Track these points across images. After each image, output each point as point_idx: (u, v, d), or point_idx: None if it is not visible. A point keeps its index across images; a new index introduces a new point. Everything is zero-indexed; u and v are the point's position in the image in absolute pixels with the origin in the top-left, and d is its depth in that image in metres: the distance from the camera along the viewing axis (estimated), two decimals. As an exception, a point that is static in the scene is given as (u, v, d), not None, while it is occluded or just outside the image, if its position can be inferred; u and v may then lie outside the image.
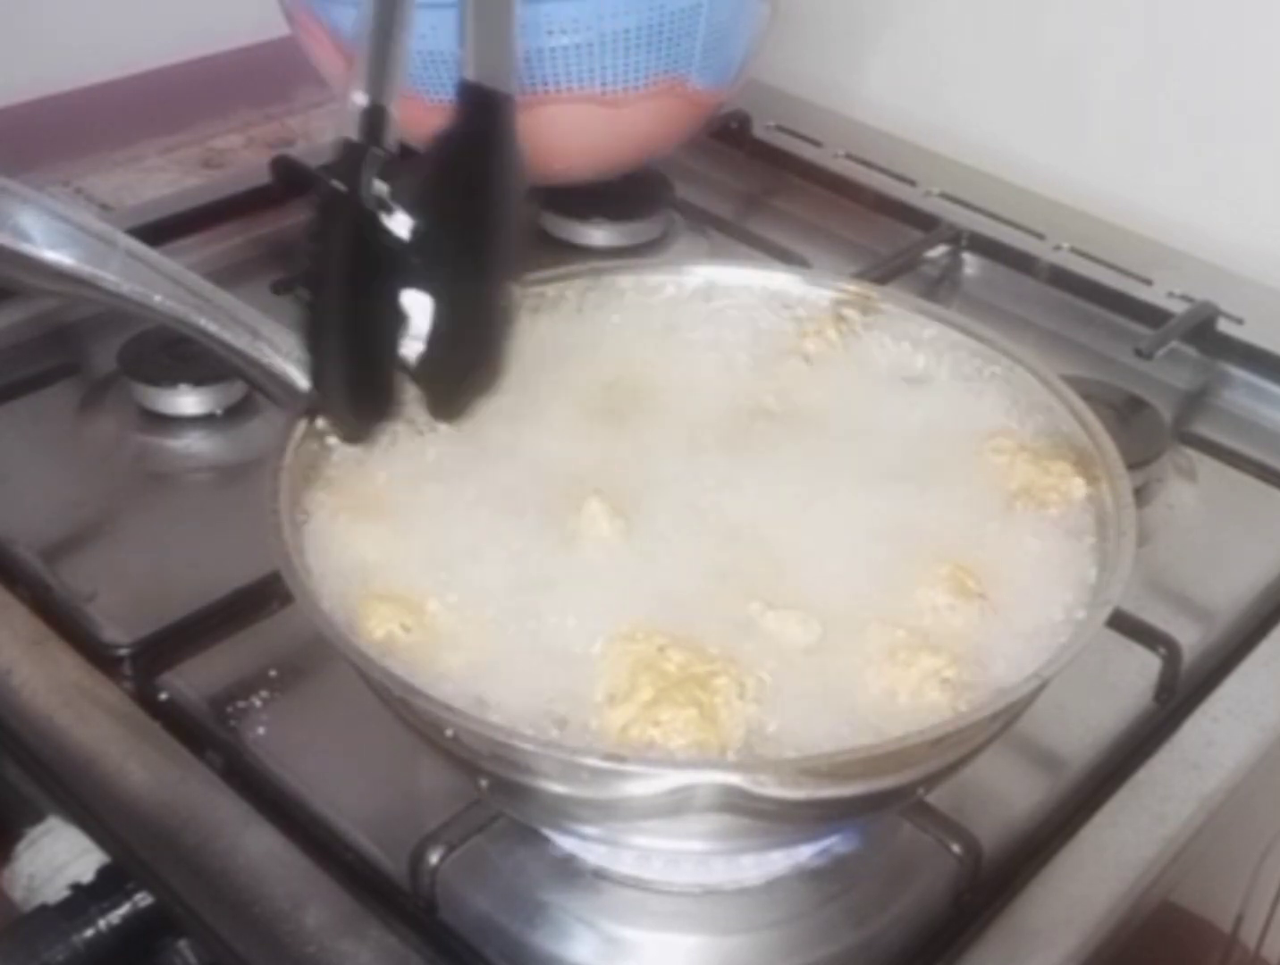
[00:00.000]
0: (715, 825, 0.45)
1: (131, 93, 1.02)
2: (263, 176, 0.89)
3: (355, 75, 0.52)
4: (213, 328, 0.53)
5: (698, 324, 0.62)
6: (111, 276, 0.52)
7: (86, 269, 0.52)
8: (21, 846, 0.57)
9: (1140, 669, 0.60)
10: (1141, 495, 0.69)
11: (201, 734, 0.56)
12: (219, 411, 0.74)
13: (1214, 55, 0.87)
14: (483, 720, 0.44)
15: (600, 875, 0.52)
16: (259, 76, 1.04)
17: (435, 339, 0.50)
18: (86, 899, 0.53)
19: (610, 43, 0.75)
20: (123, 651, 0.58)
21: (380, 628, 0.47)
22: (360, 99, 0.52)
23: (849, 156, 0.95)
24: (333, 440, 0.53)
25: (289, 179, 0.89)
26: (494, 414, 0.56)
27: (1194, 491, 0.72)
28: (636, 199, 0.88)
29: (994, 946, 0.50)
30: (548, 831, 0.52)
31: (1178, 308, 0.81)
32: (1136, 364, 0.78)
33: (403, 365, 0.50)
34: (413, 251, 0.49)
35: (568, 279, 0.61)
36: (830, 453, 0.56)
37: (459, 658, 0.47)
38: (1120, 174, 0.92)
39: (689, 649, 0.47)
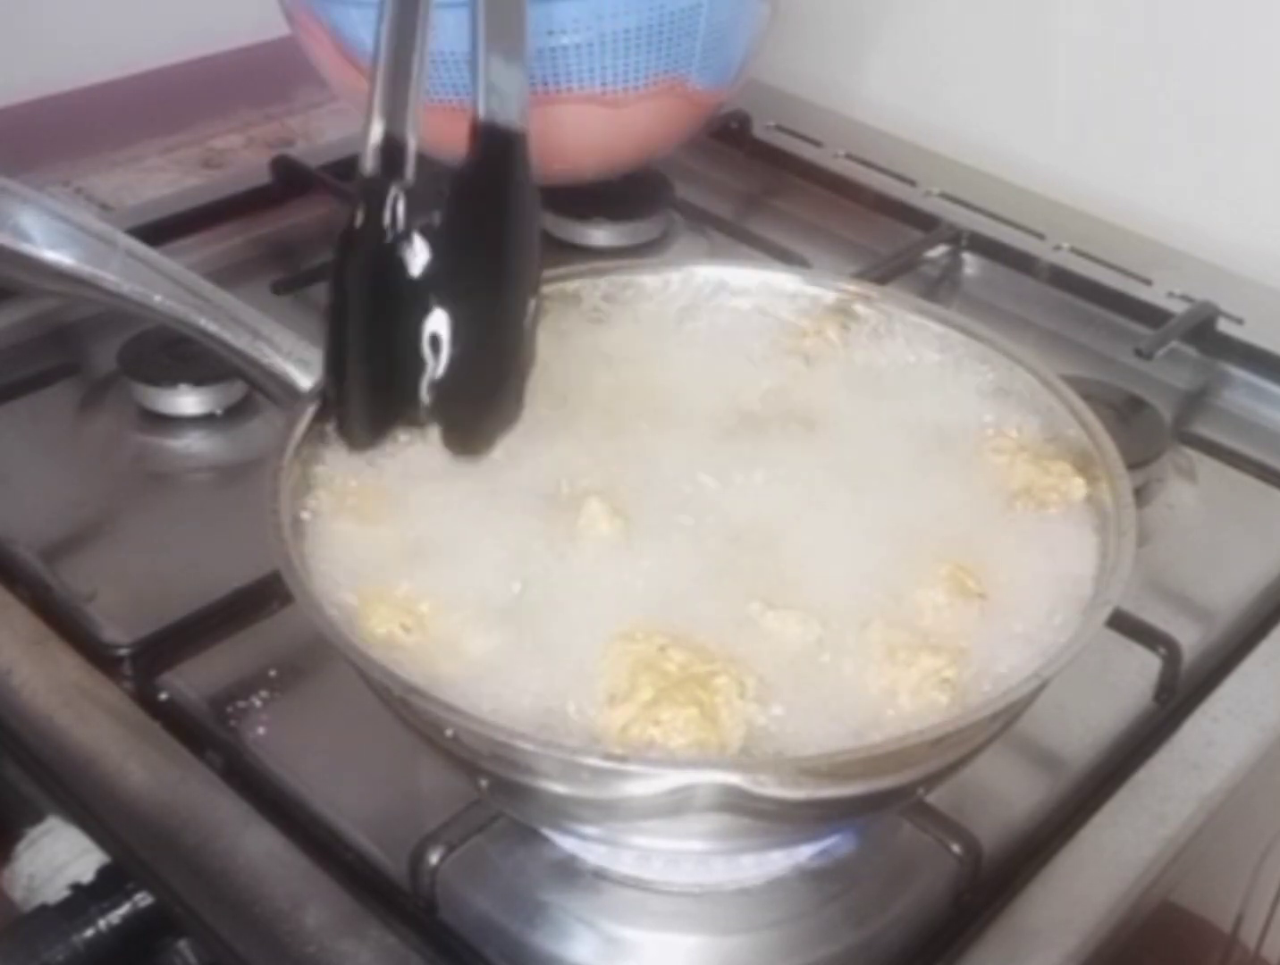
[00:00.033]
0: (715, 825, 0.45)
1: (131, 93, 1.02)
2: (263, 176, 0.89)
3: (371, 105, 0.52)
4: (213, 328, 0.53)
5: (697, 324, 0.62)
6: (111, 276, 0.52)
7: (86, 269, 0.52)
8: (21, 846, 0.57)
9: (1140, 669, 0.60)
10: (1141, 495, 0.69)
11: (201, 734, 0.56)
12: (219, 411, 0.74)
13: (1214, 55, 0.87)
14: (483, 720, 0.44)
15: (600, 875, 0.52)
16: (259, 76, 1.04)
17: (451, 374, 0.50)
18: (86, 899, 0.53)
19: (610, 43, 0.75)
20: (123, 651, 0.58)
21: (381, 627, 0.47)
22: (377, 131, 0.52)
23: (849, 156, 0.95)
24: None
25: (289, 179, 0.89)
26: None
27: (1194, 491, 0.72)
28: (636, 199, 0.88)
29: (994, 946, 0.50)
30: (548, 831, 0.52)
31: (1178, 308, 0.81)
32: (1136, 364, 0.78)
33: (420, 399, 0.50)
34: (430, 284, 0.49)
35: (568, 279, 0.61)
36: (830, 453, 0.56)
37: (459, 658, 0.47)
38: (1120, 174, 0.92)
39: (689, 648, 0.47)
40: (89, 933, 0.53)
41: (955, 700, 0.46)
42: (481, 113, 0.53)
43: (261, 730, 0.57)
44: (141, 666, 0.58)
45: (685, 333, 0.62)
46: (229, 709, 0.58)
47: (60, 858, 0.56)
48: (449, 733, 0.44)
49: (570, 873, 0.52)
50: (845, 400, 0.59)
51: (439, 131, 0.78)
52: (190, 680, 0.59)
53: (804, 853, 0.52)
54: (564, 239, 0.87)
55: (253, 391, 0.73)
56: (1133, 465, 0.55)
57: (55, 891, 0.54)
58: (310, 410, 0.52)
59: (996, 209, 0.90)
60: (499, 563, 0.50)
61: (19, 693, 0.57)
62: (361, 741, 0.55)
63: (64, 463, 0.71)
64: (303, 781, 0.55)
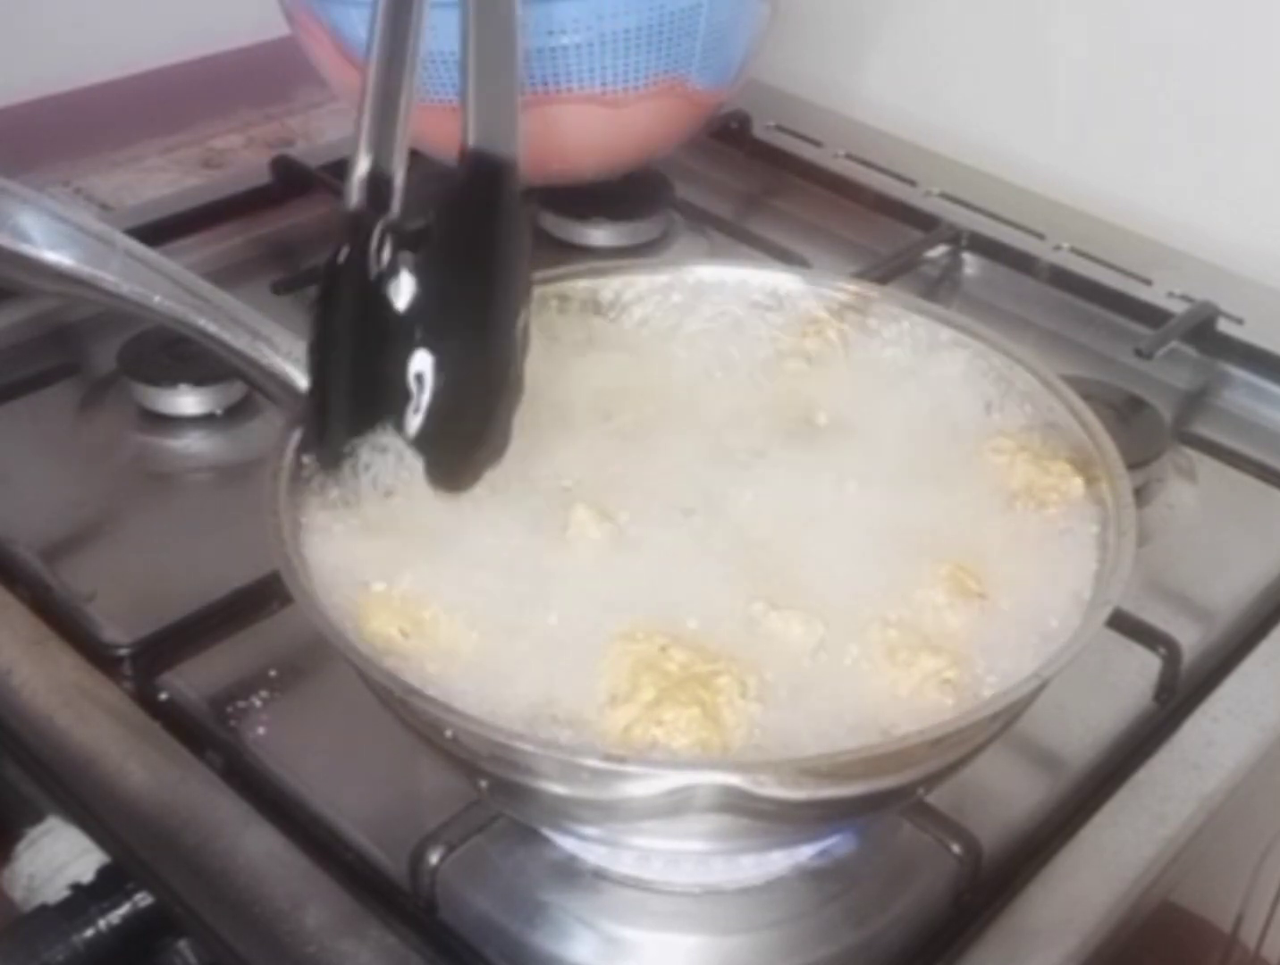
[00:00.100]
0: (715, 825, 0.45)
1: (131, 93, 1.02)
2: (263, 176, 0.89)
3: (358, 140, 0.52)
4: (213, 328, 0.53)
5: (697, 324, 0.62)
6: (111, 277, 0.52)
7: (86, 269, 0.52)
8: (21, 846, 0.57)
9: (1140, 669, 0.60)
10: (1141, 495, 0.69)
11: (201, 734, 0.56)
12: (219, 411, 0.74)
13: (1214, 55, 0.87)
14: (483, 720, 0.44)
15: (600, 875, 0.52)
16: (259, 76, 1.04)
17: (435, 408, 0.50)
18: (86, 899, 0.53)
19: (610, 43, 0.75)
20: (123, 651, 0.58)
21: (380, 630, 0.47)
22: (363, 165, 0.52)
23: (849, 156, 0.95)
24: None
25: (289, 179, 0.89)
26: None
27: (1194, 491, 0.72)
28: (636, 199, 0.88)
29: (994, 946, 0.50)
30: (548, 832, 0.52)
31: (1178, 308, 0.81)
32: (1136, 364, 0.78)
33: (405, 434, 0.50)
34: (415, 319, 0.49)
35: (567, 279, 0.61)
36: (830, 453, 0.56)
37: (458, 660, 0.47)
38: (1120, 174, 0.92)
39: (690, 648, 0.47)
40: (89, 933, 0.53)
41: (956, 700, 0.46)
42: (471, 141, 0.52)
43: (261, 730, 0.57)
44: (141, 666, 0.58)
45: (685, 333, 0.62)
46: (229, 709, 0.58)
47: (60, 858, 0.56)
48: (449, 733, 0.44)
49: (570, 873, 0.52)
50: (845, 400, 0.59)
51: (438, 131, 0.78)
52: (190, 680, 0.59)
53: (804, 853, 0.52)
54: (564, 239, 0.87)
55: (253, 391, 0.73)
56: (1133, 465, 0.55)
57: (55, 891, 0.54)
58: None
59: (996, 209, 0.90)
60: (498, 566, 0.50)
61: (19, 693, 0.57)
62: (361, 741, 0.55)
63: (64, 463, 0.71)
64: (303, 781, 0.55)
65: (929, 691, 0.46)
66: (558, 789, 0.44)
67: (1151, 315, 0.81)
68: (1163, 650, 0.60)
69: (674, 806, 0.43)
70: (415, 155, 0.67)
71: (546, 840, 0.53)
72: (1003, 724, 0.47)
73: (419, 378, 0.49)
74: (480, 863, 0.52)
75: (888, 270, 0.83)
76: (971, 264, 0.88)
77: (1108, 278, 0.84)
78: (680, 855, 0.51)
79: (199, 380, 0.73)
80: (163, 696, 0.58)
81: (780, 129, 0.98)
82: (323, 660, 0.58)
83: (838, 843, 0.53)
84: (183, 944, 0.55)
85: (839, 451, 0.56)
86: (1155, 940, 0.57)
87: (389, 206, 0.52)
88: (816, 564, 0.51)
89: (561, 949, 0.51)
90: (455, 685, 0.46)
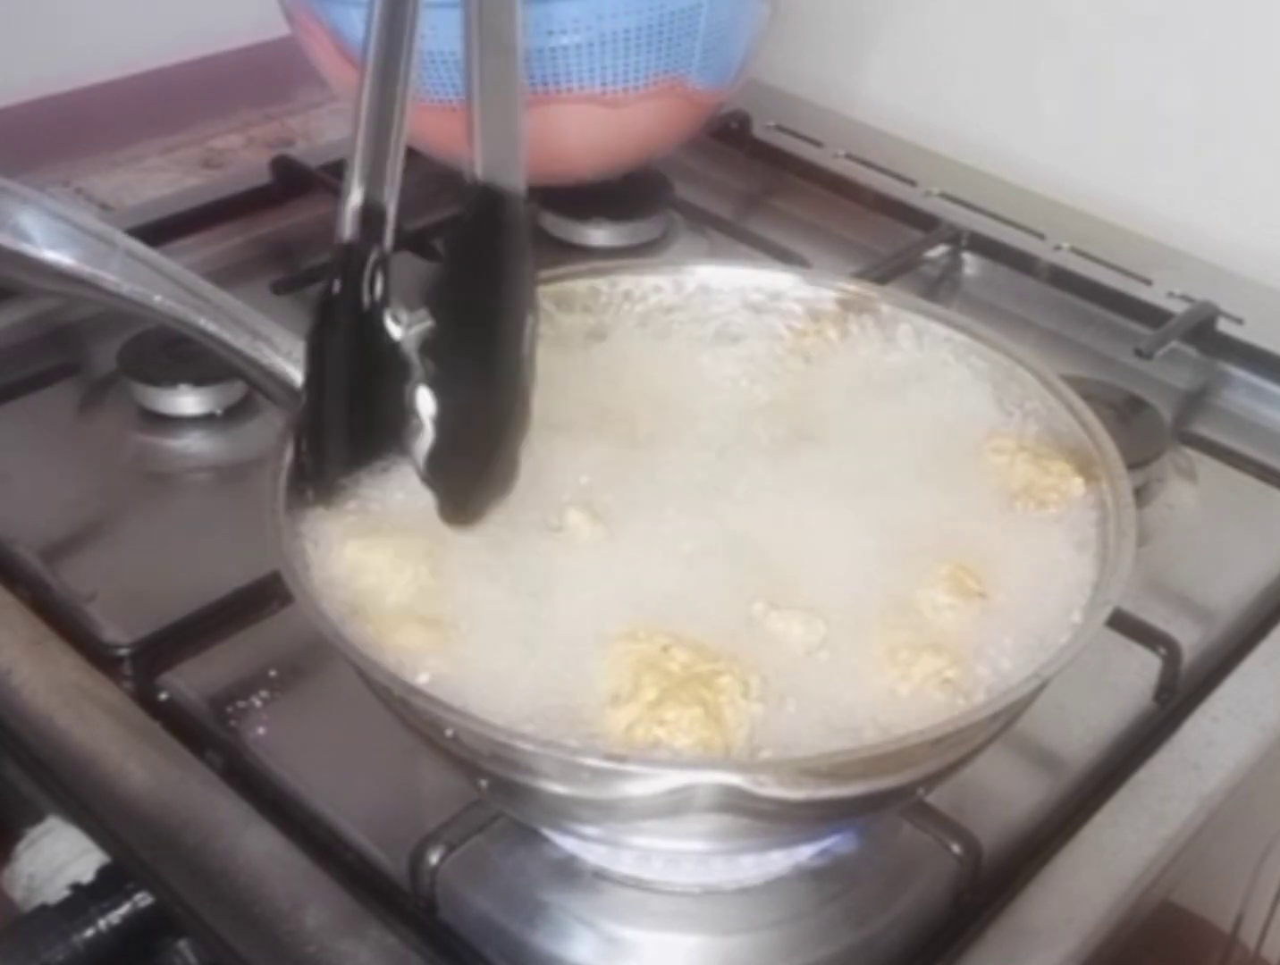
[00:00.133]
0: (715, 825, 0.45)
1: (131, 93, 1.02)
2: (263, 176, 0.89)
3: (352, 173, 0.52)
4: (213, 328, 0.53)
5: (697, 324, 0.62)
6: (111, 276, 0.52)
7: (86, 269, 0.52)
8: (21, 846, 0.57)
9: (1140, 669, 0.60)
10: (1141, 495, 0.69)
11: (201, 734, 0.56)
12: (219, 411, 0.74)
13: (1214, 56, 0.87)
14: (483, 720, 0.44)
15: (600, 875, 0.52)
16: (259, 76, 1.04)
17: (444, 443, 0.49)
18: (86, 899, 0.53)
19: (610, 43, 0.75)
20: (123, 651, 0.58)
21: (382, 632, 0.47)
22: (356, 197, 0.52)
23: (849, 156, 0.95)
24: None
25: (289, 179, 0.89)
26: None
27: (1194, 491, 0.72)
28: (636, 199, 0.88)
29: (994, 946, 0.50)
30: (548, 831, 0.52)
31: (1178, 308, 0.81)
32: (1136, 364, 0.78)
33: (415, 467, 0.50)
34: (424, 352, 0.49)
35: (567, 279, 0.61)
36: (831, 452, 0.56)
37: (459, 660, 0.47)
38: (1120, 174, 0.92)
39: (692, 648, 0.47)
40: (89, 933, 0.53)
41: (956, 700, 0.46)
42: (479, 174, 0.53)
43: (261, 730, 0.57)
44: (141, 666, 0.58)
45: (685, 333, 0.62)
46: (229, 709, 0.58)
47: (60, 858, 0.56)
48: (449, 733, 0.44)
49: (570, 873, 0.52)
50: (845, 400, 0.59)
51: (438, 131, 0.78)
52: (190, 680, 0.59)
53: (804, 853, 0.52)
54: (564, 239, 0.87)
55: (253, 391, 0.73)
56: (1133, 465, 0.55)
57: (55, 891, 0.54)
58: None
59: (996, 209, 0.90)
60: (498, 567, 0.50)
61: (19, 693, 0.57)
62: (361, 741, 0.55)
63: (64, 463, 0.71)
64: (303, 781, 0.55)
65: (930, 691, 0.46)
66: (558, 789, 0.44)
67: (1151, 315, 0.81)
68: (1163, 650, 0.60)
69: (674, 806, 0.43)
70: (415, 155, 0.67)
71: (546, 840, 0.53)
72: (1003, 724, 0.47)
73: (427, 413, 0.49)
74: (480, 863, 0.52)
75: (888, 270, 0.83)
76: (971, 264, 0.88)
77: (1108, 278, 0.84)
78: (680, 855, 0.51)
79: (199, 380, 0.73)
80: (163, 696, 0.58)
81: (780, 129, 0.98)
82: (323, 660, 0.58)
83: (838, 843, 0.53)
84: (183, 944, 0.55)
85: (839, 451, 0.56)
86: (1155, 940, 0.57)
87: (382, 238, 0.52)
88: (817, 564, 0.51)
89: (561, 949, 0.51)
90: (457, 686, 0.46)
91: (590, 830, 0.48)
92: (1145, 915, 0.53)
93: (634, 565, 0.50)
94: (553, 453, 0.55)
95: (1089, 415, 0.55)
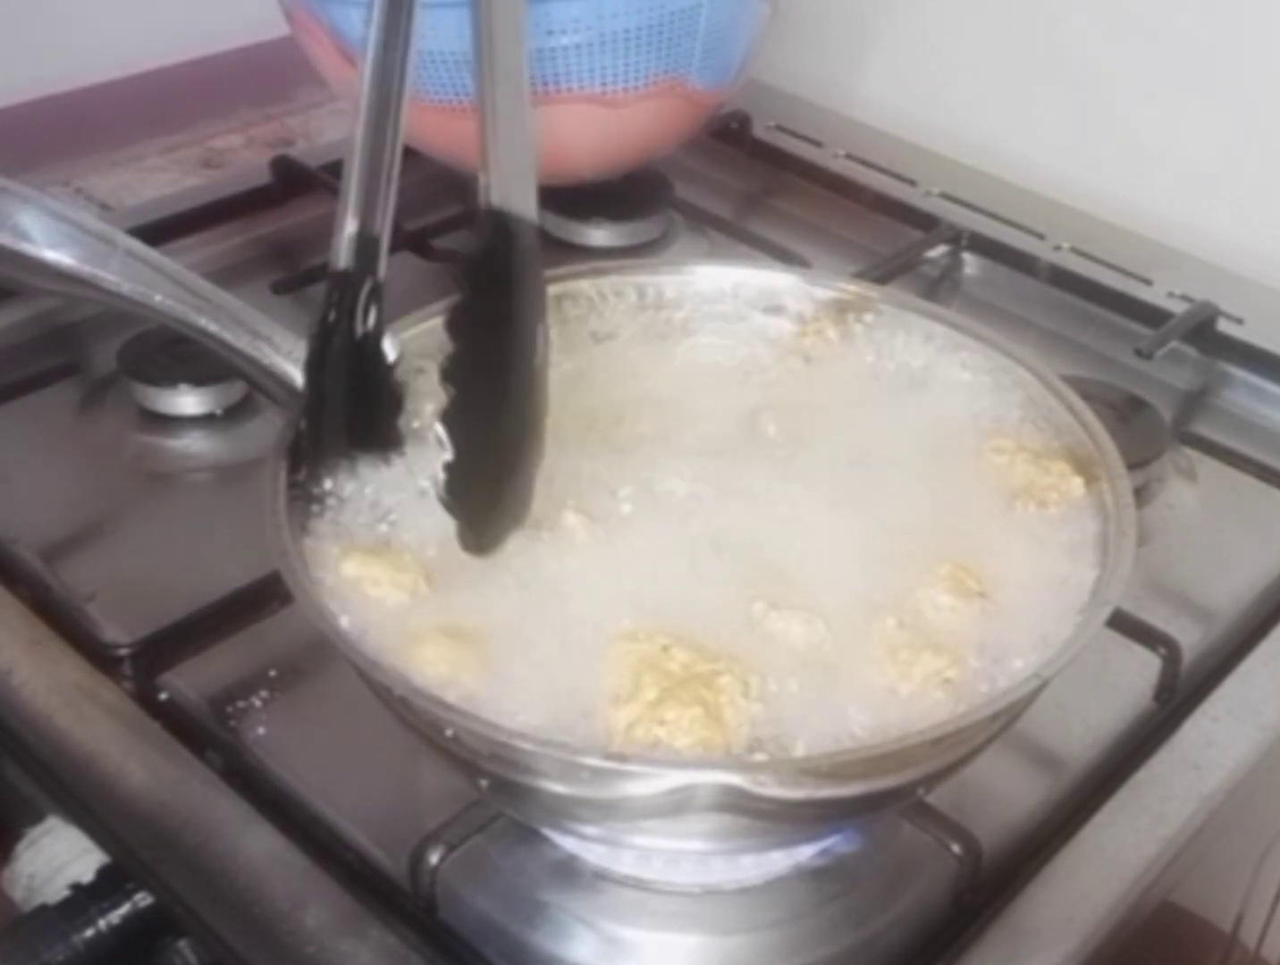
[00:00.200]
0: (715, 825, 0.45)
1: (131, 93, 1.02)
2: (263, 176, 0.89)
3: (346, 202, 0.53)
4: (213, 328, 0.53)
5: (698, 324, 0.62)
6: (111, 276, 0.52)
7: (86, 269, 0.52)
8: (21, 846, 0.57)
9: (1140, 669, 0.60)
10: (1141, 495, 0.69)
11: (201, 734, 0.56)
12: (219, 411, 0.74)
13: (1214, 55, 0.87)
14: (483, 720, 0.44)
15: (600, 875, 0.52)
16: (259, 76, 1.04)
17: (462, 467, 0.49)
18: (86, 899, 0.53)
19: (610, 43, 0.75)
20: (123, 651, 0.58)
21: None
22: (350, 225, 0.53)
23: (849, 156, 0.95)
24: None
25: (289, 179, 0.89)
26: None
27: (1194, 491, 0.72)
28: (636, 199, 0.88)
29: (994, 946, 0.50)
30: (548, 831, 0.52)
31: (1178, 308, 0.81)
32: (1136, 364, 0.78)
33: (436, 493, 0.50)
34: (444, 379, 0.49)
35: (567, 279, 0.61)
36: (831, 453, 0.56)
37: (459, 661, 0.47)
38: (1120, 174, 0.92)
39: (692, 648, 0.47)
40: (89, 933, 0.53)
41: (956, 700, 0.46)
42: (495, 202, 0.53)
43: (261, 730, 0.57)
44: (141, 666, 0.58)
45: (685, 333, 0.62)
46: (229, 709, 0.58)
47: (60, 858, 0.56)
48: (449, 733, 0.44)
49: (570, 873, 0.52)
50: (845, 400, 0.59)
51: (439, 131, 0.78)
52: (190, 680, 0.59)
53: (804, 853, 0.52)
54: (564, 239, 0.87)
55: (253, 391, 0.73)
56: (1133, 465, 0.55)
57: (55, 891, 0.54)
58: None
59: (996, 209, 0.90)
60: (497, 568, 0.50)
61: (19, 693, 0.57)
62: (361, 741, 0.55)
63: (64, 463, 0.71)
64: (303, 781, 0.55)
65: (930, 691, 0.46)
66: (558, 788, 0.44)
67: (1151, 315, 0.81)
68: (1163, 650, 0.60)
69: (674, 806, 0.43)
70: (415, 155, 0.68)
71: (546, 840, 0.53)
72: (1003, 724, 0.47)
73: (446, 439, 0.49)
74: (480, 863, 0.52)
75: (888, 270, 0.83)
76: (971, 264, 0.88)
77: (1108, 278, 0.84)
78: (680, 855, 0.51)
79: (199, 380, 0.73)
80: (163, 696, 0.58)
81: (780, 129, 0.98)
82: (323, 660, 0.58)
83: (838, 843, 0.53)
84: (183, 944, 0.55)
85: (839, 451, 0.56)
86: (1155, 940, 0.57)
87: (376, 266, 0.53)
88: (817, 564, 0.51)
89: (561, 949, 0.51)
90: (458, 687, 0.46)
91: (590, 830, 0.48)
92: (1145, 915, 0.53)
93: (634, 566, 0.50)
94: (551, 454, 0.55)
95: (1089, 415, 0.55)
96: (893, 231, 0.89)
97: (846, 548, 0.51)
